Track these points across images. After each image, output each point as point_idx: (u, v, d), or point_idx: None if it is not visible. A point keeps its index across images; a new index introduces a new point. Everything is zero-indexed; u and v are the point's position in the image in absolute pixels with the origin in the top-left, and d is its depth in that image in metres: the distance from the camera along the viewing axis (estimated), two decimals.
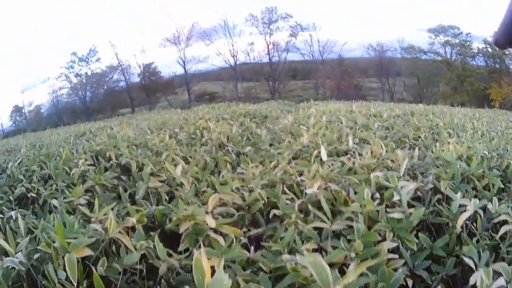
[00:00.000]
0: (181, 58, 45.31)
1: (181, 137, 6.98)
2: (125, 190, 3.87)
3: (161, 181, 3.95)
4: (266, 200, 3.23)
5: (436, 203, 3.19)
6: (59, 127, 24.97)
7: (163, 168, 4.37)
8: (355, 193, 3.12)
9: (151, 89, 44.53)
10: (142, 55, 45.19)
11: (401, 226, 2.62)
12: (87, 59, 43.99)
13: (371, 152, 4.22)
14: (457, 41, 44.54)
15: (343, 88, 39.01)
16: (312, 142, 4.99)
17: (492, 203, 2.98)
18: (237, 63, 46.02)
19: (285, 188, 3.40)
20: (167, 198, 3.78)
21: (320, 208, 2.95)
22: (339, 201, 3.14)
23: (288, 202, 3.17)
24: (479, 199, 2.97)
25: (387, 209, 2.82)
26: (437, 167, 4.09)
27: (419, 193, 3.39)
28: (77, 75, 43.66)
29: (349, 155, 4.40)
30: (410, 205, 3.00)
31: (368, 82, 45.77)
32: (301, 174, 3.67)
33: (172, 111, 18.94)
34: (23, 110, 41.87)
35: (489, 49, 42.92)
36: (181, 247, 2.57)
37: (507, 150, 5.30)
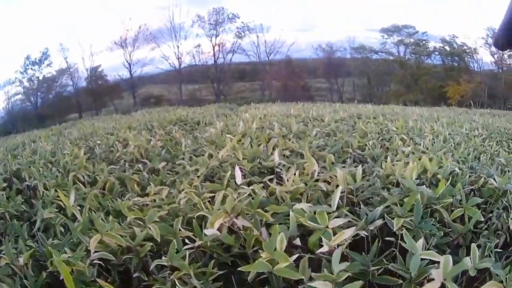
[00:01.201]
0: (127, 61, 44.90)
1: (98, 152, 6.36)
2: (29, 219, 3.65)
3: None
4: (158, 240, 2.54)
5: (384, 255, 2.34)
6: (12, 134, 23.93)
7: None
8: (270, 235, 2.33)
9: (98, 93, 44.21)
10: (90, 58, 44.65)
11: None
12: (39, 63, 43.43)
13: (302, 171, 3.41)
14: (412, 40, 45.43)
15: (290, 89, 38.73)
16: (231, 156, 4.20)
17: (471, 258, 2.11)
18: (183, 65, 45.94)
19: (180, 225, 2.70)
20: (63, 230, 3.17)
21: (225, 248, 2.46)
22: (249, 244, 2.41)
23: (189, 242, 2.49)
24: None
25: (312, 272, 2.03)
26: (388, 190, 3.17)
27: (361, 233, 2.40)
28: (29, 79, 43.16)
29: (274, 175, 3.66)
30: (343, 258, 2.14)
31: (316, 83, 46.13)
32: (210, 201, 3.01)
33: (109, 118, 18.06)
34: None
35: (447, 48, 43.95)
36: None
37: (479, 160, 4.57)
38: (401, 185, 3.08)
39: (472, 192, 3.28)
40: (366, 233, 2.41)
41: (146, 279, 2.41)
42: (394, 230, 2.41)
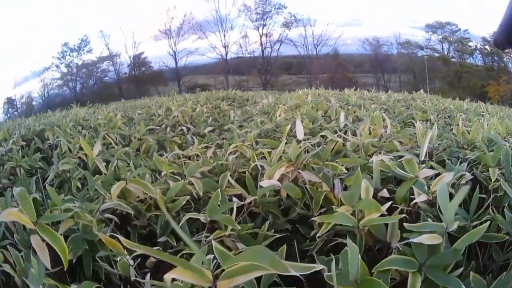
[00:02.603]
0: (173, 50, 45.43)
1: (136, 117, 5.95)
2: (43, 176, 3.19)
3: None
4: (200, 195, 2.03)
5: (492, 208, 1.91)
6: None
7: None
8: (345, 188, 1.84)
9: (141, 80, 44.76)
10: (133, 46, 45.30)
11: (437, 260, 1.34)
12: (78, 49, 44.23)
13: (369, 132, 2.87)
14: (455, 37, 45.29)
15: (337, 82, 38.33)
16: (288, 119, 3.71)
17: None
18: (230, 55, 46.33)
19: (231, 179, 2.12)
20: (80, 186, 2.74)
21: (284, 210, 1.96)
22: (316, 202, 1.86)
23: (236, 200, 1.91)
24: None
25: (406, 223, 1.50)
26: (469, 150, 2.75)
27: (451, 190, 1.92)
28: (67, 65, 43.99)
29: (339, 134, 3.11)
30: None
31: (363, 77, 46.21)
32: (264, 158, 2.42)
33: (154, 98, 17.88)
34: (15, 103, 42.42)
35: (487, 48, 43.94)
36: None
37: None
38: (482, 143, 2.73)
39: None
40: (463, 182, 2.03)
41: (175, 244, 1.89)
42: (492, 181, 2.06)
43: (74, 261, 1.69)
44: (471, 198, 1.85)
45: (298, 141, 2.44)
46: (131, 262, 1.55)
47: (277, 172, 1.94)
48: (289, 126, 2.96)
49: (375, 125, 2.90)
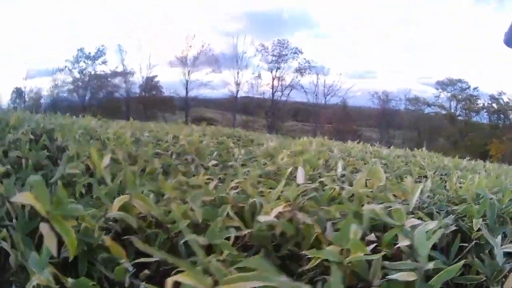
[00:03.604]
0: (185, 79, 45.79)
1: (143, 139, 5.95)
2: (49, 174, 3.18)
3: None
4: (200, 220, 2.10)
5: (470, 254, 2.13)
6: None
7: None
8: (337, 231, 1.92)
9: (150, 104, 44.97)
10: (147, 67, 45.71)
11: None
12: (93, 58, 44.83)
13: (366, 183, 3.01)
14: (464, 95, 45.70)
15: (342, 133, 38.52)
16: (290, 164, 3.83)
17: None
18: (240, 93, 46.61)
19: (231, 211, 2.21)
20: (84, 192, 2.71)
21: (276, 246, 2.02)
22: (307, 241, 1.98)
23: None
24: None
25: (387, 262, 1.69)
26: (456, 204, 2.92)
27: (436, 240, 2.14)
28: (80, 71, 44.61)
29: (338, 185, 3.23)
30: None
31: (368, 131, 46.30)
32: (263, 196, 2.49)
33: (161, 124, 17.91)
34: (23, 94, 44.75)
35: (494, 105, 44.24)
36: None
37: None
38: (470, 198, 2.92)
39: None
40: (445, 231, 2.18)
41: (171, 261, 1.95)
42: (474, 231, 2.27)
43: (70, 261, 1.70)
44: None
45: (298, 185, 2.60)
46: (130, 268, 1.66)
47: (275, 209, 2.05)
48: (290, 169, 3.09)
49: (373, 177, 3.03)
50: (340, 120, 44.49)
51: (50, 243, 1.52)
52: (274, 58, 47.66)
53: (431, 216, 2.48)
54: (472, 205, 2.57)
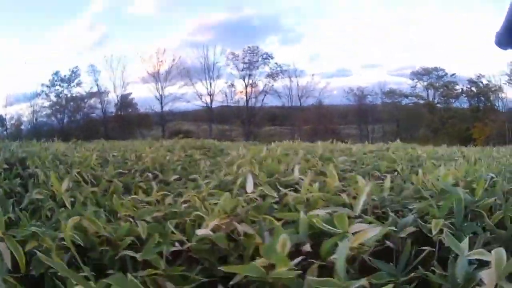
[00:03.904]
0: (159, 94, 45.83)
1: (110, 160, 6.10)
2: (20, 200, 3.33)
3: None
4: (143, 236, 2.14)
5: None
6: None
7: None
8: None
9: (127, 121, 45.02)
10: (121, 86, 45.72)
11: None
12: (68, 81, 44.95)
13: (323, 185, 2.96)
14: (441, 83, 46.00)
15: (320, 133, 38.64)
16: (247, 172, 3.83)
17: None
18: (215, 104, 46.74)
19: (170, 226, 2.27)
20: (49, 215, 2.90)
21: (222, 258, 2.02)
22: (247, 252, 1.99)
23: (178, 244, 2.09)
24: None
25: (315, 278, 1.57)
26: (420, 201, 2.61)
27: (390, 243, 1.99)
28: (57, 95, 44.93)
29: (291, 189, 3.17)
30: (366, 270, 1.76)
31: (346, 129, 46.66)
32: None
33: (134, 141, 17.90)
34: (5, 122, 45.09)
35: (473, 89, 44.52)
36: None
37: None
38: (434, 193, 2.68)
39: None
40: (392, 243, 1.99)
41: (71, 275, 1.96)
42: (433, 234, 1.91)
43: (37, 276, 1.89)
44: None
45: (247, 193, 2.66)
46: None
47: (211, 222, 2.07)
48: (240, 180, 3.09)
49: (330, 178, 2.98)
50: (318, 121, 44.62)
51: (6, 258, 1.81)
52: (245, 66, 47.83)
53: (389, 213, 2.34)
54: (432, 202, 2.35)
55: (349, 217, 1.92)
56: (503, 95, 45.19)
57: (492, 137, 36.67)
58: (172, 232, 2.19)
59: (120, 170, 4.83)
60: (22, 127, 45.74)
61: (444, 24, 66.90)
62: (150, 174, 4.81)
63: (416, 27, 68.67)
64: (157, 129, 45.82)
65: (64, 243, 2.00)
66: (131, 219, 2.43)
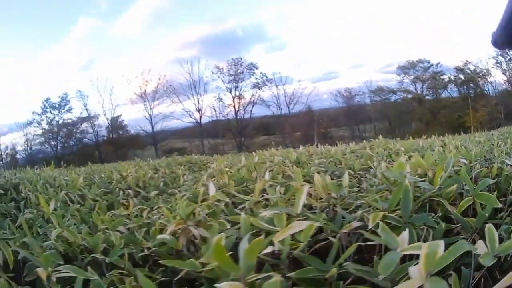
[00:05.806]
0: (149, 114, 45.82)
1: (97, 181, 6.50)
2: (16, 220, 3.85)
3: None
4: (117, 244, 2.46)
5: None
6: None
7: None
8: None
9: (119, 144, 45.06)
10: (110, 108, 45.80)
11: None
12: (59, 107, 44.98)
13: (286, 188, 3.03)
14: (427, 75, 45.89)
15: (311, 138, 38.72)
16: (218, 182, 4.06)
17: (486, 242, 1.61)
18: (205, 119, 46.71)
19: (138, 234, 2.63)
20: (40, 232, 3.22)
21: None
22: (201, 254, 2.10)
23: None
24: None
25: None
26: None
27: (333, 239, 1.86)
28: (49, 123, 45.09)
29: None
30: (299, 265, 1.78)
31: (338, 131, 46.65)
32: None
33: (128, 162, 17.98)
34: (0, 153, 45.37)
35: (461, 76, 44.46)
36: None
37: (494, 155, 4.10)
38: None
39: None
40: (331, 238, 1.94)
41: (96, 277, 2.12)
42: (369, 227, 1.81)
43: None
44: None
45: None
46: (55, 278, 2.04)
47: (170, 228, 2.32)
48: (203, 189, 3.16)
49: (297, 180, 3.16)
50: (308, 126, 44.68)
51: None
52: (231, 78, 47.93)
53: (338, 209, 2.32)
54: (374, 195, 2.29)
55: (291, 216, 2.05)
56: (492, 79, 45.46)
57: (485, 122, 36.66)
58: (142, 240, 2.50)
59: (104, 190, 5.13)
60: (17, 156, 45.89)
61: (424, 15, 67.56)
62: (130, 191, 5.19)
63: (397, 22, 69.30)
64: (151, 149, 45.91)
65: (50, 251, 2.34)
66: (108, 231, 2.69)
